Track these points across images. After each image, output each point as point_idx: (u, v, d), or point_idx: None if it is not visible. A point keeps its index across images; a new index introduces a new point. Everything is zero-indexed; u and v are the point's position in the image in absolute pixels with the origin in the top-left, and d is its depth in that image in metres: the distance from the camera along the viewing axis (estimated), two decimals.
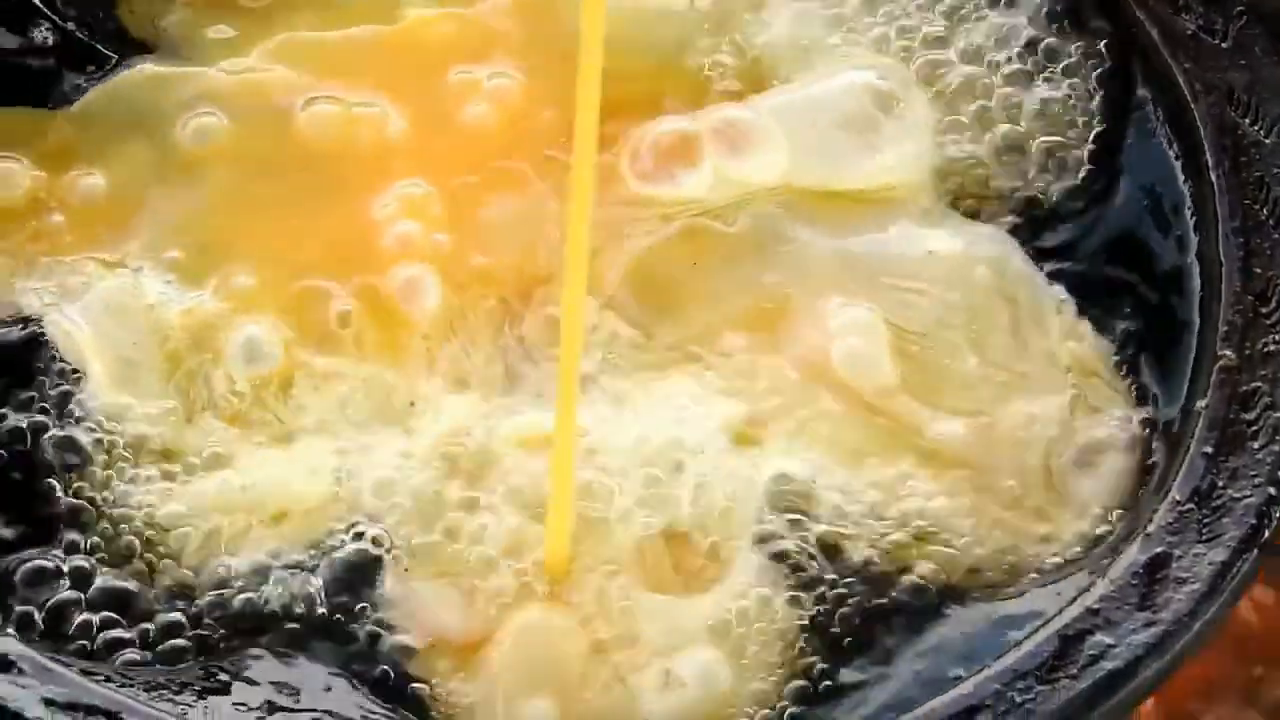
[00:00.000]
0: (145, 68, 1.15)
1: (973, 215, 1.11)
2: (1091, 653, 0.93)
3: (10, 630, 0.95)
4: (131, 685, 0.93)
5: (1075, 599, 0.96)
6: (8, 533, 0.99)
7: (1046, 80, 1.15)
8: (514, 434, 1.03)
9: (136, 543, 0.99)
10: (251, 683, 0.95)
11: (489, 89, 1.15)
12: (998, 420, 1.04)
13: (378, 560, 0.99)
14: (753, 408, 1.04)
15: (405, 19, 1.17)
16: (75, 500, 1.00)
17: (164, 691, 0.93)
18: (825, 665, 0.96)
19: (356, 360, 1.06)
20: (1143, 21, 1.15)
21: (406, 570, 0.98)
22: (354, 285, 1.08)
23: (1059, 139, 1.13)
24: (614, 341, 1.07)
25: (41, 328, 1.06)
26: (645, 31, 1.16)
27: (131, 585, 0.98)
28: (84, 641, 0.96)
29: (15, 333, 1.06)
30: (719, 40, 1.17)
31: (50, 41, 1.17)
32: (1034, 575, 0.99)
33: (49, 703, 0.90)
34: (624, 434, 1.03)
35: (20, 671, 0.91)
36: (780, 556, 0.99)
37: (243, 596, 0.98)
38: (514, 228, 1.11)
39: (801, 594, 0.99)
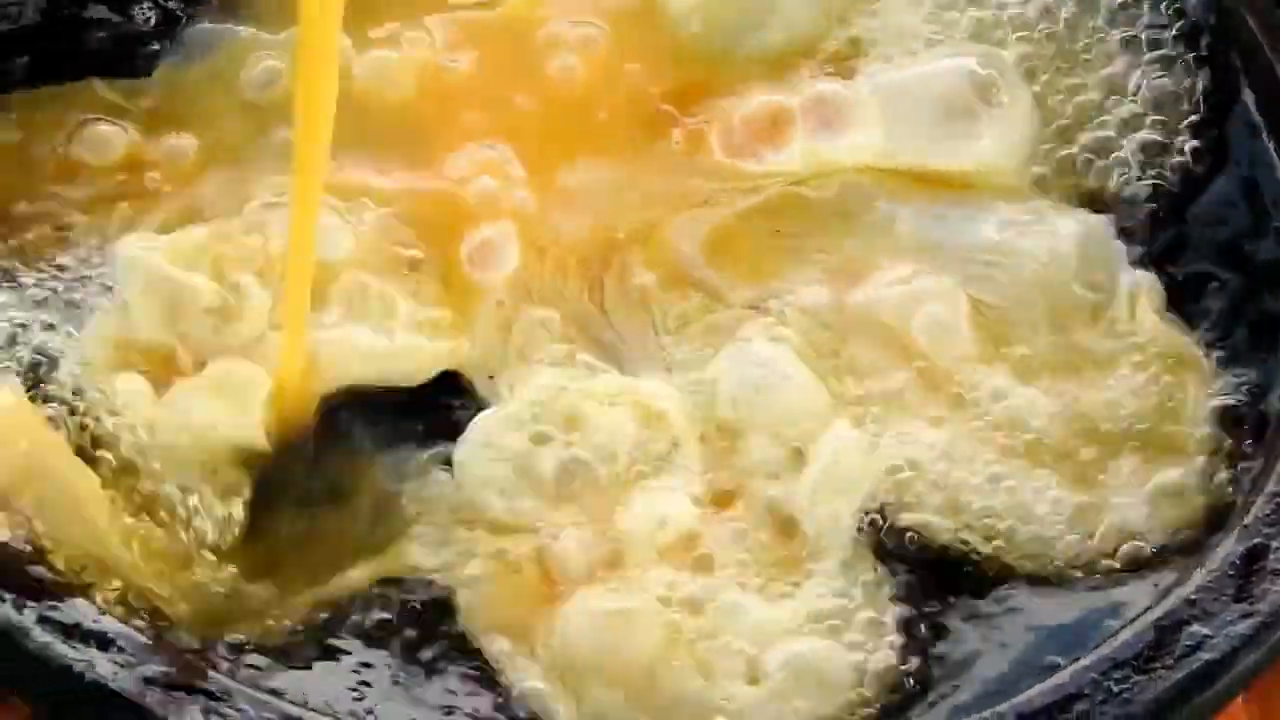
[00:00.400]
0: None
1: (1065, 202, 1.10)
2: (1188, 643, 0.92)
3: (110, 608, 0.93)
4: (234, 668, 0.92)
5: (1171, 590, 0.94)
6: None
7: (1145, 72, 1.14)
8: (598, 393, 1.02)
9: None
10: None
11: (575, 39, 1.14)
12: (1081, 402, 1.03)
13: None
14: (839, 382, 1.03)
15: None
16: None
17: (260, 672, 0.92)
18: (921, 653, 0.95)
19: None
20: (1243, 14, 1.13)
21: None
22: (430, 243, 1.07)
23: (1157, 131, 1.12)
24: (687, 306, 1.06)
25: None
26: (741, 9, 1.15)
27: None
28: None
29: None
30: (819, 18, 1.15)
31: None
32: (1130, 565, 0.98)
33: (148, 681, 0.88)
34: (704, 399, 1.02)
35: (120, 649, 0.89)
36: (876, 543, 0.98)
37: None
38: (595, 192, 1.09)
39: (896, 581, 0.97)
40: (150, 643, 0.90)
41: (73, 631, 0.89)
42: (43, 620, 0.89)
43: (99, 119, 1.11)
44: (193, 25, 1.15)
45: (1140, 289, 1.07)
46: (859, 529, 0.98)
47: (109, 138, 1.10)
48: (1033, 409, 1.02)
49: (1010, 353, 1.05)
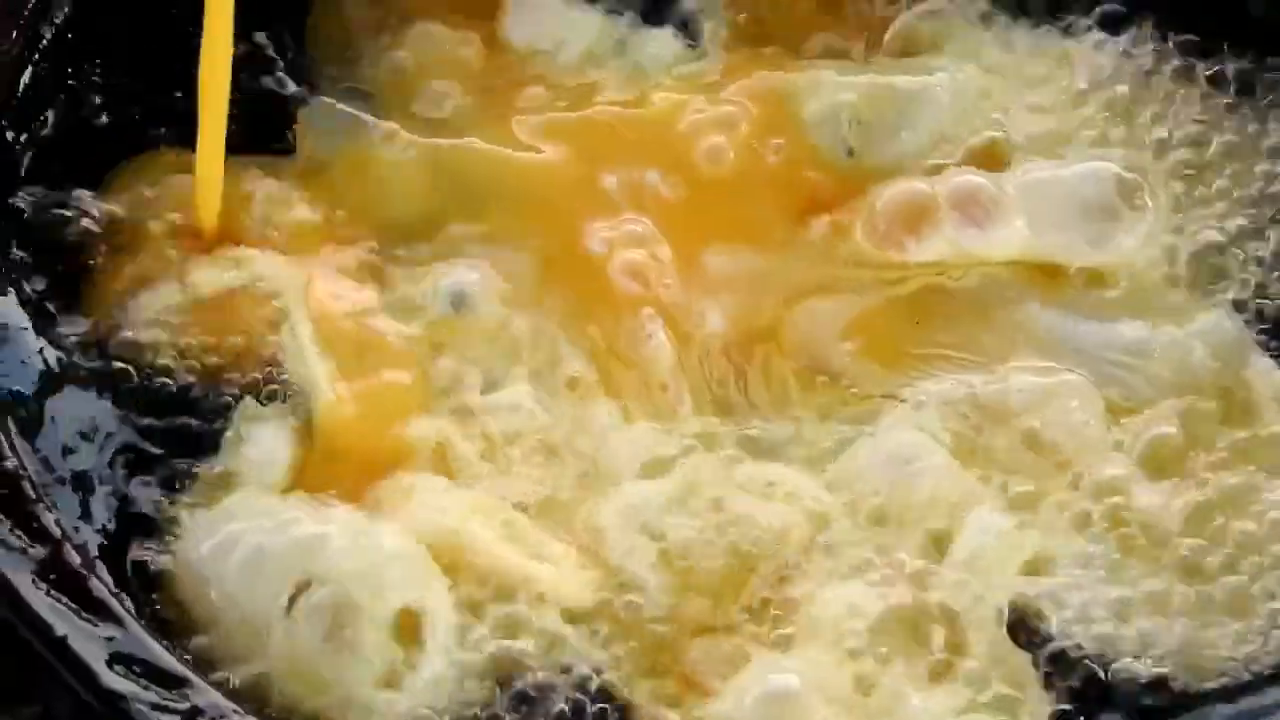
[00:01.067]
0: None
1: (1206, 297, 1.12)
2: None
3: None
4: None
5: None
6: None
7: None
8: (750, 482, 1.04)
9: None
10: None
11: (720, 129, 1.15)
12: (1215, 506, 1.05)
13: None
14: (980, 473, 1.05)
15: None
16: None
17: None
18: None
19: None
20: None
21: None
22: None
23: None
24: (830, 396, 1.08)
25: None
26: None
27: None
28: None
29: None
30: (964, 118, 1.17)
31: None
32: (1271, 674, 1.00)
33: None
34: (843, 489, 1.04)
35: None
36: (1024, 650, 1.00)
37: None
38: (740, 281, 1.11)
39: (1045, 694, 0.99)
40: None
41: None
42: None
43: None
44: None
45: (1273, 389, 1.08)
46: (1005, 623, 1.00)
47: None
48: (1169, 512, 1.04)
49: (1145, 452, 1.06)
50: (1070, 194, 1.13)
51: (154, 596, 1.00)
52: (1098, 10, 1.20)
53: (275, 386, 1.06)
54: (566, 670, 0.99)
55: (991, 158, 1.16)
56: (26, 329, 1.06)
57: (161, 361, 1.07)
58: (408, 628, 0.98)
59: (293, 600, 0.97)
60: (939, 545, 1.03)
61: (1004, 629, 1.00)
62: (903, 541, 1.03)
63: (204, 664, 0.97)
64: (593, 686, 0.99)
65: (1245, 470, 1.05)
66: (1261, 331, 1.11)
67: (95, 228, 1.10)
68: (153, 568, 1.01)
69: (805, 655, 0.99)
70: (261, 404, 1.05)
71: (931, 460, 1.05)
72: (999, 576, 1.01)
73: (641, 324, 1.09)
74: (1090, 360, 1.09)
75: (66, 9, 1.14)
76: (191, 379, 1.06)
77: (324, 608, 0.97)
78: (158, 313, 1.08)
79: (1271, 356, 1.10)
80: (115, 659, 0.93)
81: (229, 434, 1.05)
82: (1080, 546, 1.03)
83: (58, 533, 0.97)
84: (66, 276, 1.09)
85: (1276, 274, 1.13)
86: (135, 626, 0.94)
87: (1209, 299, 1.12)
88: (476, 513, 1.02)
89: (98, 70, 1.15)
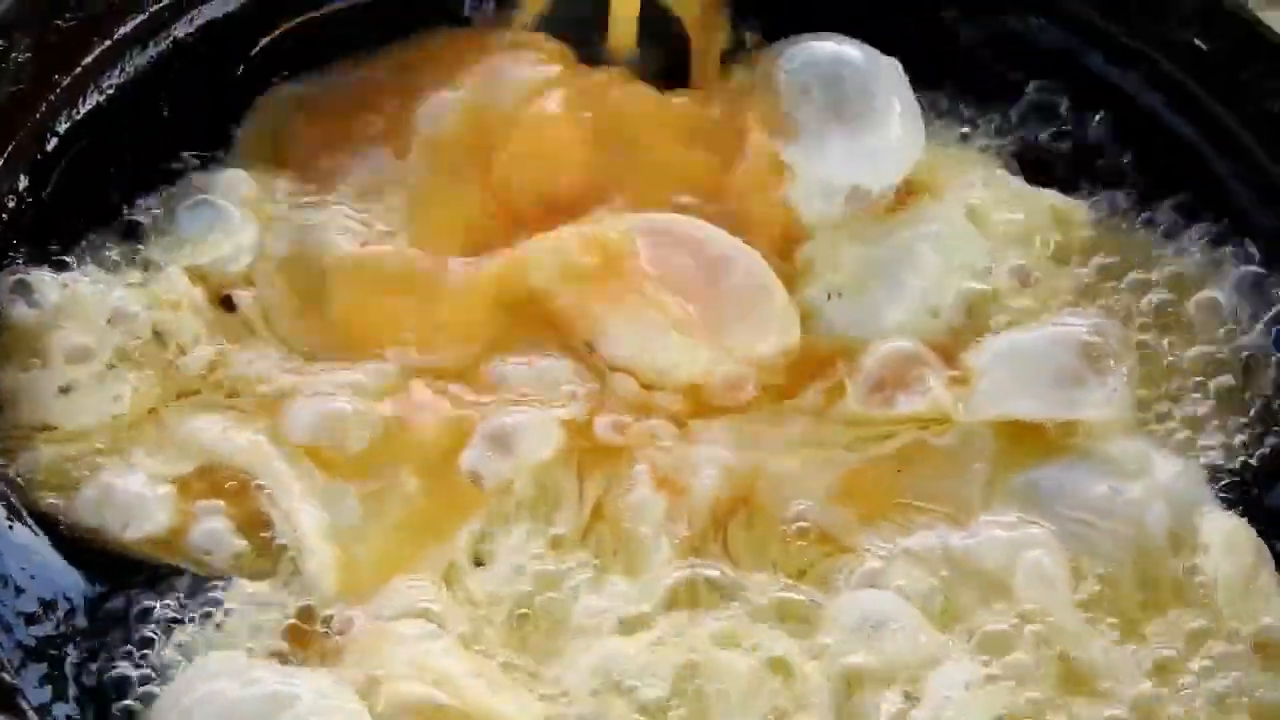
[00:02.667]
0: None
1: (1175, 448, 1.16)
2: None
3: None
4: None
5: None
6: None
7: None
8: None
9: None
10: None
11: None
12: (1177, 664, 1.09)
13: None
14: (948, 628, 1.09)
15: None
16: None
17: None
18: None
19: None
20: None
21: None
22: None
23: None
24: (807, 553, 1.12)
25: None
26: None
27: None
28: None
29: None
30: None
31: None
32: None
33: None
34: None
35: None
36: None
37: None
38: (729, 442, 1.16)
39: None
40: None
41: None
42: None
43: None
44: None
45: (1234, 545, 1.12)
46: None
47: None
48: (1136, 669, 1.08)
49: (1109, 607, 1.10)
50: (1039, 358, 1.17)
51: None
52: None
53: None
54: None
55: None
56: None
57: None
58: None
59: None
60: (908, 700, 1.06)
61: None
62: (873, 698, 1.06)
63: None
64: None
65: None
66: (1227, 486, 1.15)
67: None
68: None
69: None
70: None
71: (902, 617, 1.09)
72: None
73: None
74: (1053, 516, 1.13)
75: None
76: None
77: None
78: None
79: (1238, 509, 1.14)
80: None
81: None
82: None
83: None
84: None
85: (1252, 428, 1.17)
86: None
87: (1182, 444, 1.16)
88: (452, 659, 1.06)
89: None
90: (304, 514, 1.11)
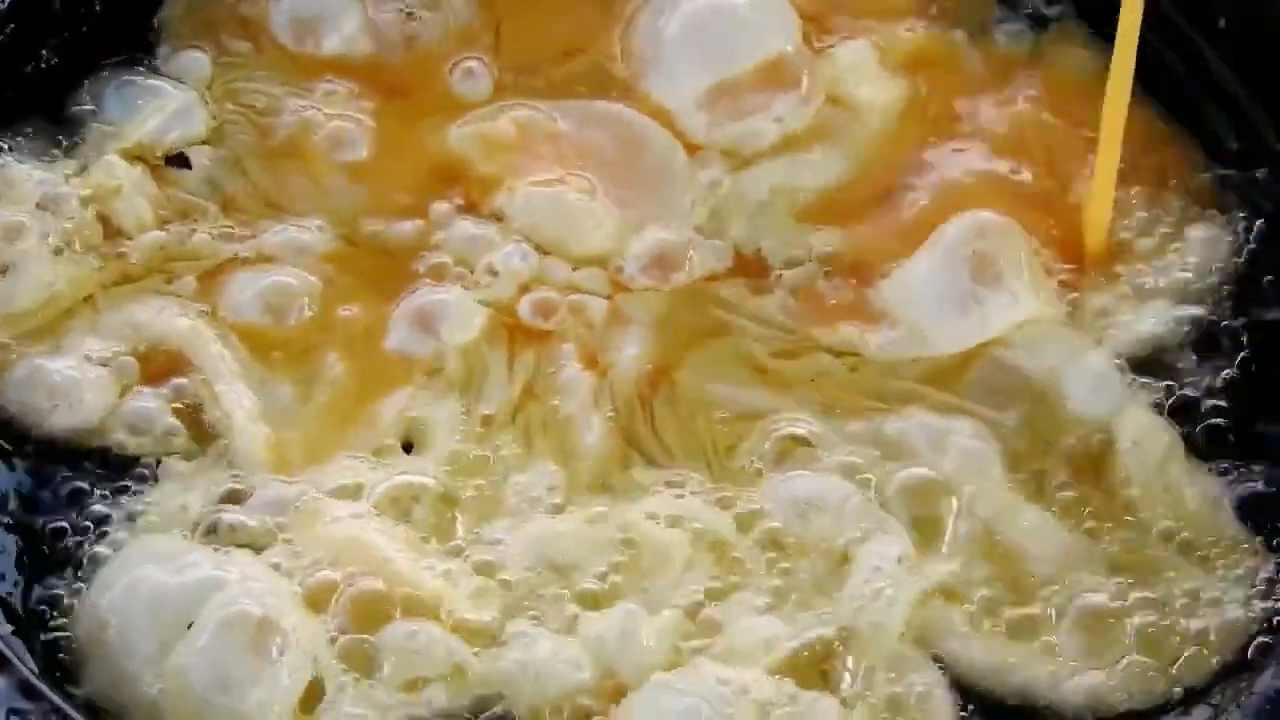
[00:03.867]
0: None
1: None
2: None
3: None
4: None
5: None
6: None
7: None
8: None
9: None
10: None
11: None
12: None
13: None
14: (878, 500, 1.11)
15: None
16: None
17: None
18: None
19: None
20: None
21: None
22: None
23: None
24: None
25: None
26: None
27: None
28: None
29: None
30: None
31: None
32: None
33: None
34: None
35: None
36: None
37: None
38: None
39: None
40: None
41: None
42: None
43: None
44: None
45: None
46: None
47: None
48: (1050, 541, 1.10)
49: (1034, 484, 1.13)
50: (931, 293, 1.18)
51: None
52: None
53: None
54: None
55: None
56: None
57: None
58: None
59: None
60: (840, 564, 1.08)
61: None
62: (807, 566, 1.08)
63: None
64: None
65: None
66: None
67: None
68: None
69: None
70: None
71: (835, 489, 1.10)
72: (901, 604, 1.07)
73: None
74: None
75: None
76: None
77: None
78: None
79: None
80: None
81: None
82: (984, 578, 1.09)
83: None
84: None
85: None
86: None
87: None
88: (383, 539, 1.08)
89: None
90: (237, 395, 1.12)
